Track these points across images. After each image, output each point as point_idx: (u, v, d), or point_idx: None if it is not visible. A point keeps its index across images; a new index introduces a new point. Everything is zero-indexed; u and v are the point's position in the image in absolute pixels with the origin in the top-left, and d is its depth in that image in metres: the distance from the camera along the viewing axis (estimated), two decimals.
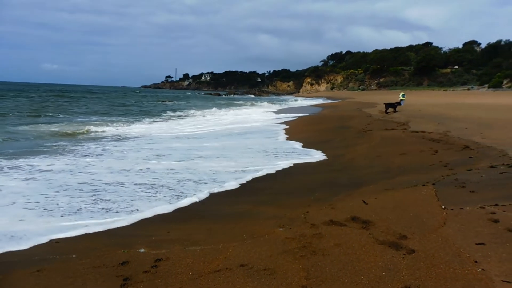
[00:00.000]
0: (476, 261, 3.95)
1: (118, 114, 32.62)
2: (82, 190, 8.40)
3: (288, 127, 21.72)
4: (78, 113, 32.81)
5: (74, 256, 4.92)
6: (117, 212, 7.06)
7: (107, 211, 7.09)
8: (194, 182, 9.20)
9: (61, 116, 29.12)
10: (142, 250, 5.00)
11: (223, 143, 15.70)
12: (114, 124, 23.85)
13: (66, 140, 16.24)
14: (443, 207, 5.64)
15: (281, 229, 5.47)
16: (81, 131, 19.21)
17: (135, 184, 8.94)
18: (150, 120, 28.32)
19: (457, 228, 4.82)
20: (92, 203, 7.49)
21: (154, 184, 8.99)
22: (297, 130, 19.79)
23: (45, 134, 18.20)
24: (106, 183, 8.98)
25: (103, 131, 19.76)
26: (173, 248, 5.01)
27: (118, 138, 17.35)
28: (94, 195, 8.05)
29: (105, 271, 4.44)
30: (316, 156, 12.54)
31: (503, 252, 4.07)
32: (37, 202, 7.54)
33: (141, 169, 10.46)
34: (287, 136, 17.80)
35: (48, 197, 7.87)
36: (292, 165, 11.21)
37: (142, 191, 8.41)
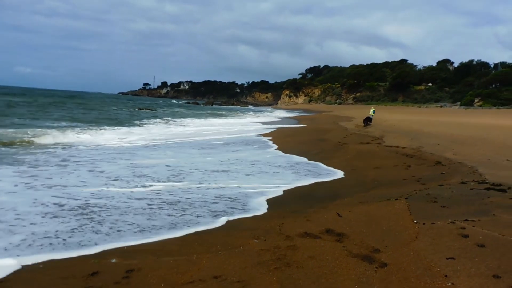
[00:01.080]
0: (446, 276, 4.02)
1: (90, 121, 30.95)
2: (61, 206, 7.15)
3: (271, 138, 21.73)
4: (46, 118, 30.84)
5: (40, 266, 4.76)
6: (120, 236, 5.86)
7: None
8: (225, 199, 8.23)
9: (25, 121, 26.84)
10: (114, 260, 4.88)
11: (220, 156, 14.32)
12: (83, 131, 21.63)
13: (22, 148, 14.44)
14: (415, 221, 5.75)
15: (256, 240, 5.45)
16: (38, 138, 16.82)
17: (137, 199, 7.88)
18: (125, 128, 26.66)
19: (429, 242, 4.91)
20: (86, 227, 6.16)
21: (165, 200, 7.79)
22: (280, 141, 19.83)
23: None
24: (92, 199, 7.74)
25: (70, 139, 17.91)
26: (146, 258, 4.92)
27: (86, 147, 15.68)
28: (85, 215, 6.73)
29: (73, 282, 4.30)
30: (339, 174, 11.30)
31: (472, 267, 4.16)
32: None
33: (127, 184, 9.19)
34: (276, 147, 17.73)
35: (19, 217, 6.48)
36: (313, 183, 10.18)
37: (158, 209, 7.24)
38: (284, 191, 9.08)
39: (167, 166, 11.87)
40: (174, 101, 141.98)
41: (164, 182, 9.63)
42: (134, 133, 23.74)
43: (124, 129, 25.42)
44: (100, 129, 23.73)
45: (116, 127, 26.26)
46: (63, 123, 27.13)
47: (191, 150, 16.25)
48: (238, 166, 12.25)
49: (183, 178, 10.24)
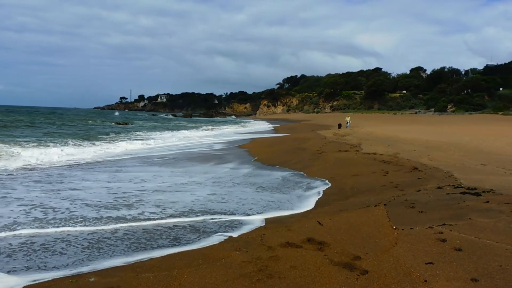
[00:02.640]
0: (425, 281, 4.07)
1: (51, 135, 28.46)
2: None
3: (250, 148, 21.73)
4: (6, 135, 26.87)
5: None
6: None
7: None
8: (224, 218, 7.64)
9: None
10: (92, 279, 4.76)
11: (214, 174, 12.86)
12: (26, 147, 19.16)
13: None
14: (394, 227, 5.82)
15: (237, 252, 5.40)
16: None
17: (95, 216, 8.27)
18: (96, 145, 23.76)
19: (408, 248, 4.98)
20: None
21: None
22: (259, 151, 19.84)
23: None
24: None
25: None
26: (125, 275, 4.81)
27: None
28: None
29: None
30: (324, 187, 10.62)
31: (450, 271, 4.23)
32: None
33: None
34: (256, 157, 17.74)
35: None
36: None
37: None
38: (265, 219, 7.63)
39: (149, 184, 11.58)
40: (170, 115, 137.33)
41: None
42: (99, 149, 21.39)
43: (95, 147, 22.69)
44: (45, 146, 20.53)
45: (80, 143, 23.84)
46: (32, 138, 24.89)
47: (168, 166, 16.11)
48: (210, 181, 12.18)
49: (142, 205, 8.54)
